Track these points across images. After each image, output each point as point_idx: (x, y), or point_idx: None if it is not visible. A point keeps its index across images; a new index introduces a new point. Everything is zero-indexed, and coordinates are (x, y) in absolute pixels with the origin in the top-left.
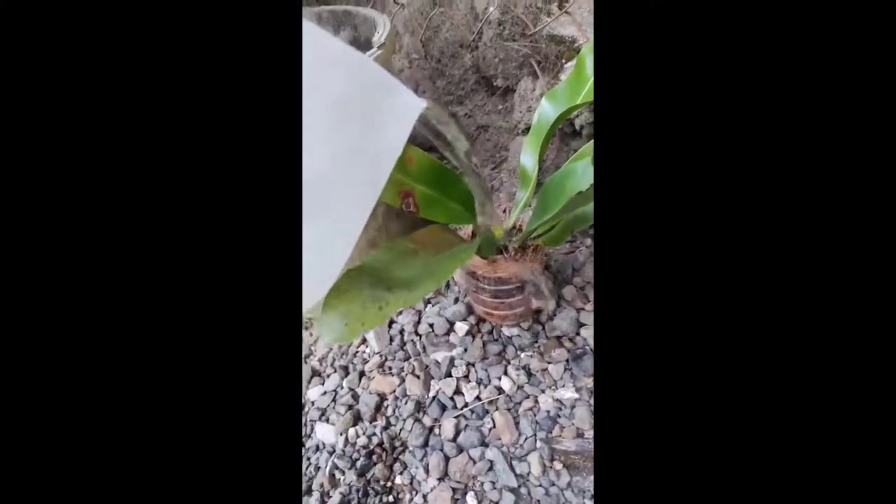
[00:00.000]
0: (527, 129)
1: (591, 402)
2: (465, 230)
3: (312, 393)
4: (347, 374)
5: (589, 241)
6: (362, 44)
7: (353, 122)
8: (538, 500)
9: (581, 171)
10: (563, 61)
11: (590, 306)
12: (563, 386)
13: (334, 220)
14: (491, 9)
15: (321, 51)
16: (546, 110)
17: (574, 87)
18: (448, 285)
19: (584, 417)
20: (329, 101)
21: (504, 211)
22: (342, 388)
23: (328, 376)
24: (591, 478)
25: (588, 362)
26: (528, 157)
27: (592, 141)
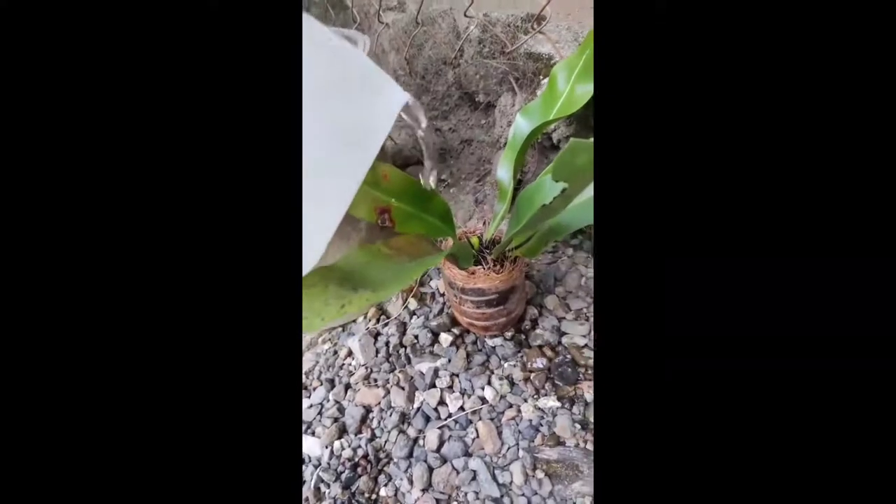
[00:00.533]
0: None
1: (572, 410)
2: (447, 243)
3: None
4: (333, 386)
5: (571, 251)
6: None
7: (342, 110)
8: None
9: (548, 185)
10: (541, 77)
11: (570, 315)
12: (546, 395)
13: (322, 200)
14: (471, 27)
15: (316, 42)
16: (521, 126)
17: (547, 102)
18: (433, 296)
19: (565, 426)
20: (322, 89)
21: (484, 223)
22: (328, 400)
23: (314, 389)
24: (573, 486)
25: (569, 371)
26: (504, 170)
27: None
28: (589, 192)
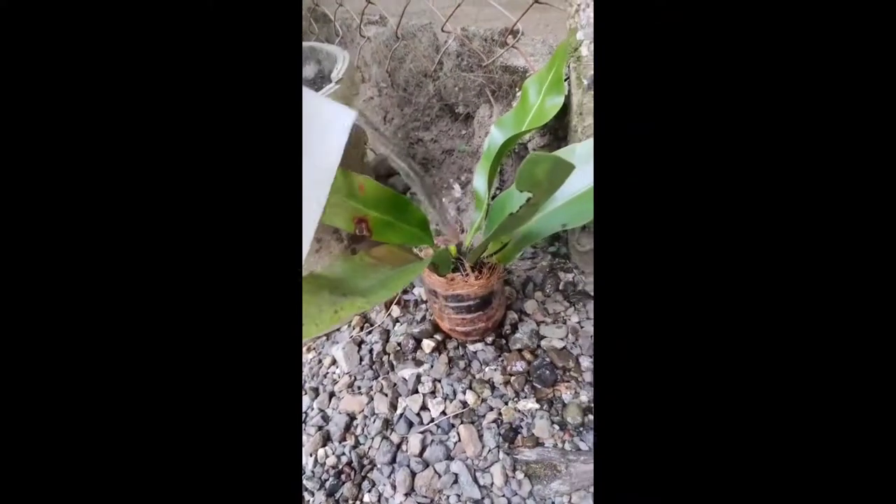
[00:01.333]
0: None
1: (551, 411)
2: (427, 251)
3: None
4: (318, 395)
5: (549, 258)
6: (326, 76)
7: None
8: None
9: (517, 193)
10: (516, 89)
11: (549, 318)
12: (525, 397)
13: None
14: (450, 41)
15: None
16: (495, 137)
17: (520, 115)
18: (416, 304)
19: (543, 427)
20: None
21: (462, 231)
22: (312, 409)
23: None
24: (552, 485)
25: (547, 373)
26: (479, 180)
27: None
28: (557, 200)
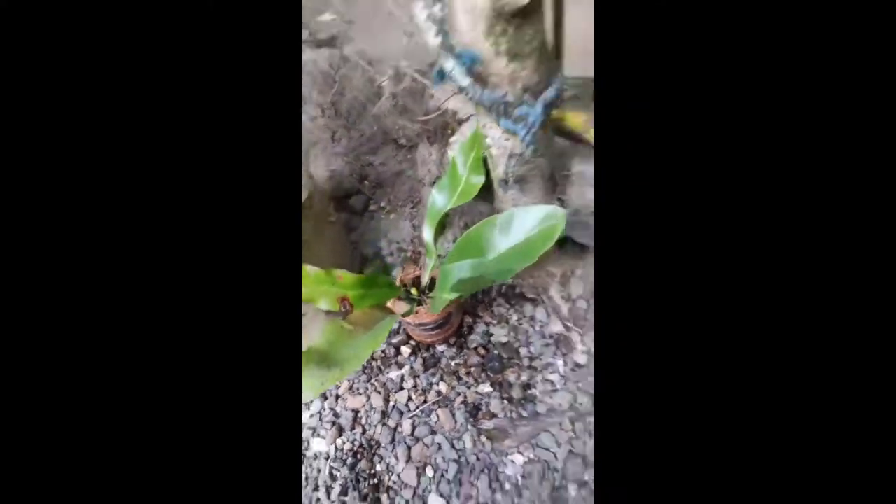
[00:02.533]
0: (432, 182)
1: (501, 392)
2: (396, 302)
3: (303, 417)
4: (326, 398)
5: None
6: None
7: None
8: (472, 464)
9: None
10: (449, 132)
11: (495, 320)
12: (482, 383)
13: None
14: (383, 80)
15: None
16: (437, 200)
17: (452, 183)
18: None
19: (496, 404)
20: None
21: (420, 268)
22: (324, 409)
23: (311, 402)
24: (505, 443)
25: (497, 364)
26: (428, 235)
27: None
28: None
